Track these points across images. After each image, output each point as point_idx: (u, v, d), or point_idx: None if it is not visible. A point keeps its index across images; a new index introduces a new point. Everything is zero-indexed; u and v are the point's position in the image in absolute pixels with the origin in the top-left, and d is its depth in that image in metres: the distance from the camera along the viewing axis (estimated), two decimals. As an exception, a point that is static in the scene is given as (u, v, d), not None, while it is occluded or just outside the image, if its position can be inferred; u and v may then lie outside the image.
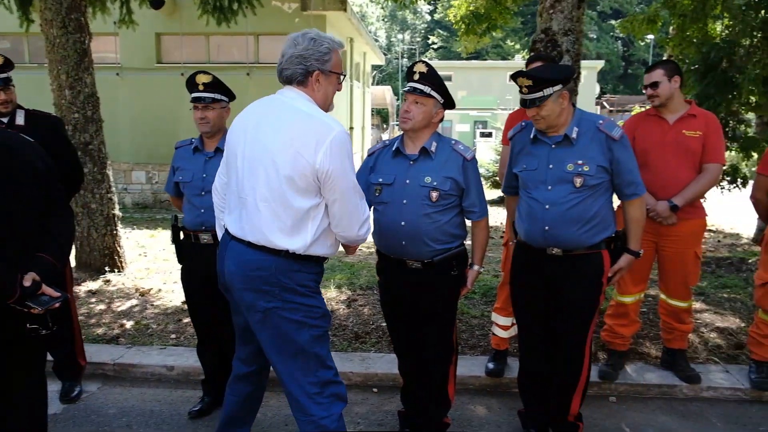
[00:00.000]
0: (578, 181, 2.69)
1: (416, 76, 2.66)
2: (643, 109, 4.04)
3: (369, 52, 19.42)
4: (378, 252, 2.88)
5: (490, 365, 3.74)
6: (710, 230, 9.04)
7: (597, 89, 37.93)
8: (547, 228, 2.72)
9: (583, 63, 34.51)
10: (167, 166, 4.83)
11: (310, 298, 2.24)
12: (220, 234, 2.45)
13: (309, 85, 2.24)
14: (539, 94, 2.63)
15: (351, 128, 16.25)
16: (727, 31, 6.93)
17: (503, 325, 3.74)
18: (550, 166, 2.74)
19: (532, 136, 2.84)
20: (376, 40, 47.21)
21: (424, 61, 2.74)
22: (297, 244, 2.16)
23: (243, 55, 12.77)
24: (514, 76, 2.72)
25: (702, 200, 3.67)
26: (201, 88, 3.06)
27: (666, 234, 3.49)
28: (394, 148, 2.79)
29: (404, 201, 2.67)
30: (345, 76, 2.41)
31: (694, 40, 7.39)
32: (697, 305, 5.02)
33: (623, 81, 47.12)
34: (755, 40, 6.45)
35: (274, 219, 2.14)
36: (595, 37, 46.12)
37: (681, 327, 3.66)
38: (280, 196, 2.13)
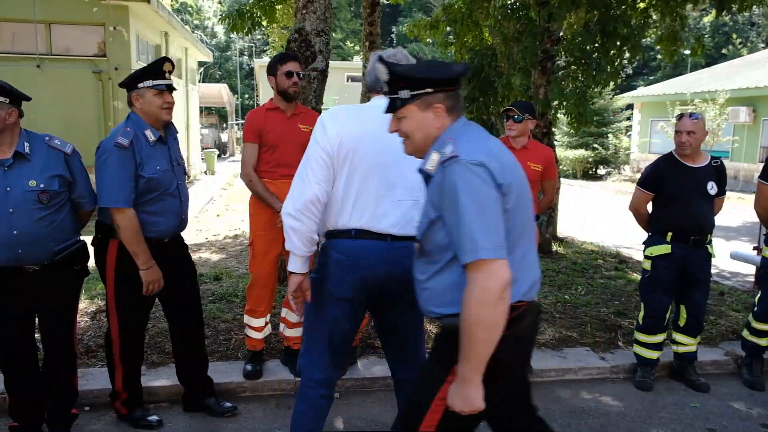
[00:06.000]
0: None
1: None
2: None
3: (191, 47, 18.61)
4: None
5: (248, 367, 3.69)
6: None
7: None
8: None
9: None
10: None
11: None
12: (305, 248, 2.34)
13: None
14: None
15: (169, 127, 15.43)
16: (495, 40, 7.49)
17: (256, 327, 3.70)
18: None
19: None
20: (214, 37, 45.59)
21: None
22: None
23: (32, 45, 11.59)
24: None
25: None
26: None
27: None
28: None
29: (10, 210, 2.57)
30: None
31: (471, 47, 7.90)
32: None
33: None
34: (516, 49, 7.01)
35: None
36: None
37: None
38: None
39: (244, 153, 3.59)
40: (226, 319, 4.49)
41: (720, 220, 3.94)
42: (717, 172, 3.71)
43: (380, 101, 2.33)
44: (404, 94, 1.86)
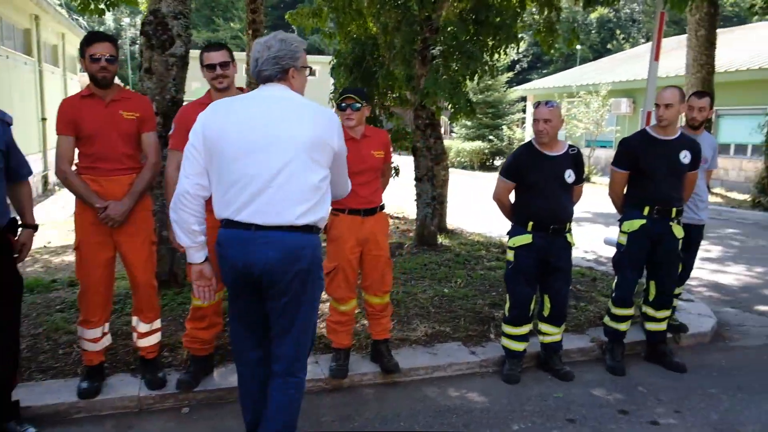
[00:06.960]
0: None
1: None
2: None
3: (69, 33, 17.28)
4: None
5: (84, 384, 3.31)
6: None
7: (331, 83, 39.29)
8: None
9: (319, 58, 34.85)
10: None
11: (321, 270, 2.57)
12: (187, 239, 2.47)
13: (287, 80, 2.47)
14: None
15: (43, 119, 14.23)
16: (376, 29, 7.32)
17: (91, 339, 3.32)
18: None
19: None
20: (103, 24, 42.87)
21: None
22: (318, 216, 2.44)
23: None
24: None
25: None
26: None
27: None
28: None
29: None
30: (313, 70, 2.67)
31: (354, 36, 7.70)
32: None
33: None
34: (396, 39, 6.88)
35: (306, 201, 2.38)
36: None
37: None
38: (309, 181, 2.39)
39: (57, 148, 3.19)
40: (71, 330, 4.03)
41: (601, 207, 3.94)
42: (574, 160, 3.73)
43: (266, 90, 2.46)
44: None
